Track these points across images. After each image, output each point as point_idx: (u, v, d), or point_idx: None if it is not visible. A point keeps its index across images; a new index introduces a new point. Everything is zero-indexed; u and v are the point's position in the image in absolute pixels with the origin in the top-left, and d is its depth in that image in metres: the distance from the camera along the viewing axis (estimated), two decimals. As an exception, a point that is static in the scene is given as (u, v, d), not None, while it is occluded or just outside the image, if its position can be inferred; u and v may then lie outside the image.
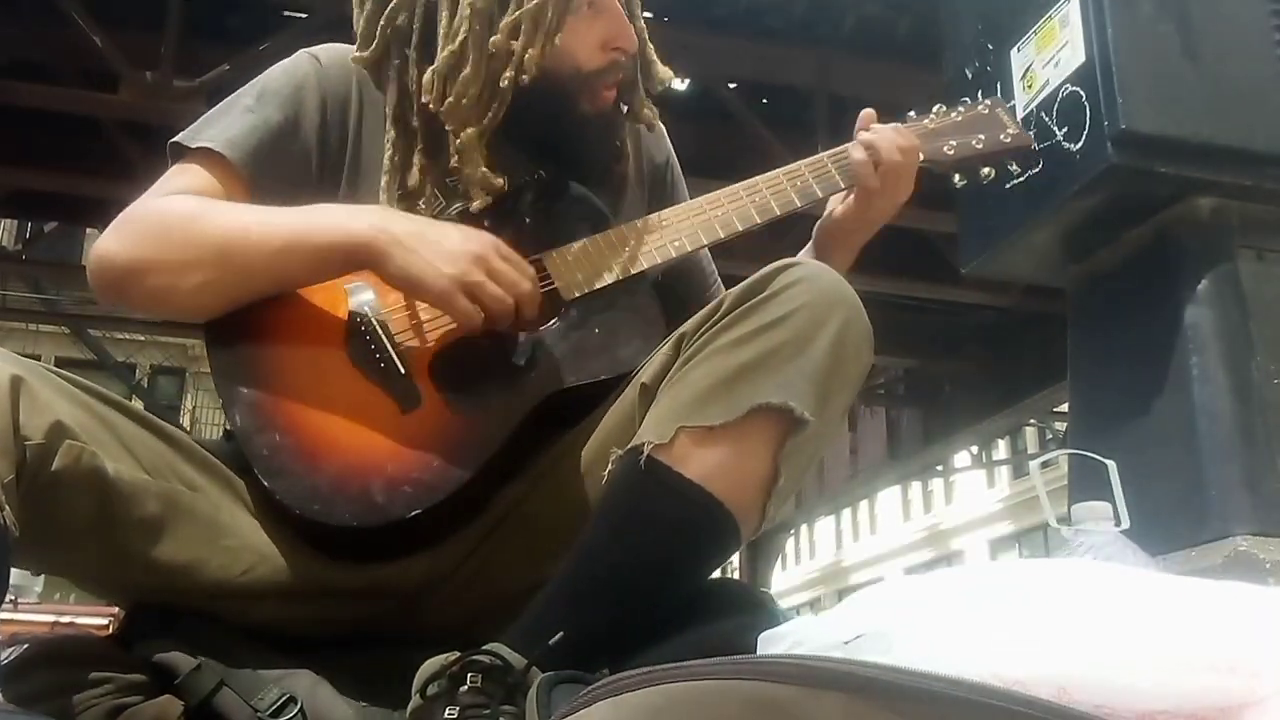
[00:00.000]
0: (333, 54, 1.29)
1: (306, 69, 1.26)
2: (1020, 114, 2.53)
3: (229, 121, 1.22)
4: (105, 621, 7.36)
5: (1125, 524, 1.19)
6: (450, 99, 1.18)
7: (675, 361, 1.04)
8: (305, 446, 1.09)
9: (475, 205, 1.20)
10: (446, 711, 0.87)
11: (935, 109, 1.38)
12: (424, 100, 1.20)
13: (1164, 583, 0.66)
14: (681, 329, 1.07)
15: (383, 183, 1.22)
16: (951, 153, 1.33)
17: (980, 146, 1.34)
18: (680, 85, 5.05)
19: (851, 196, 1.28)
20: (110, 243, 1.16)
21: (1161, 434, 2.29)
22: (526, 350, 1.16)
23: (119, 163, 4.86)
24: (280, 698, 1.01)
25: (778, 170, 1.27)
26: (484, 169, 1.20)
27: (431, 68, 1.19)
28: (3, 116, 4.62)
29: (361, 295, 1.17)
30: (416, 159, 1.23)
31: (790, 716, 0.55)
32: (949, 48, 2.98)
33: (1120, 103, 2.24)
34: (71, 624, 7.70)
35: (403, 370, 1.13)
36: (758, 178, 1.25)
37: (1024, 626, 0.60)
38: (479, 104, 1.19)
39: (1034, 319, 5.69)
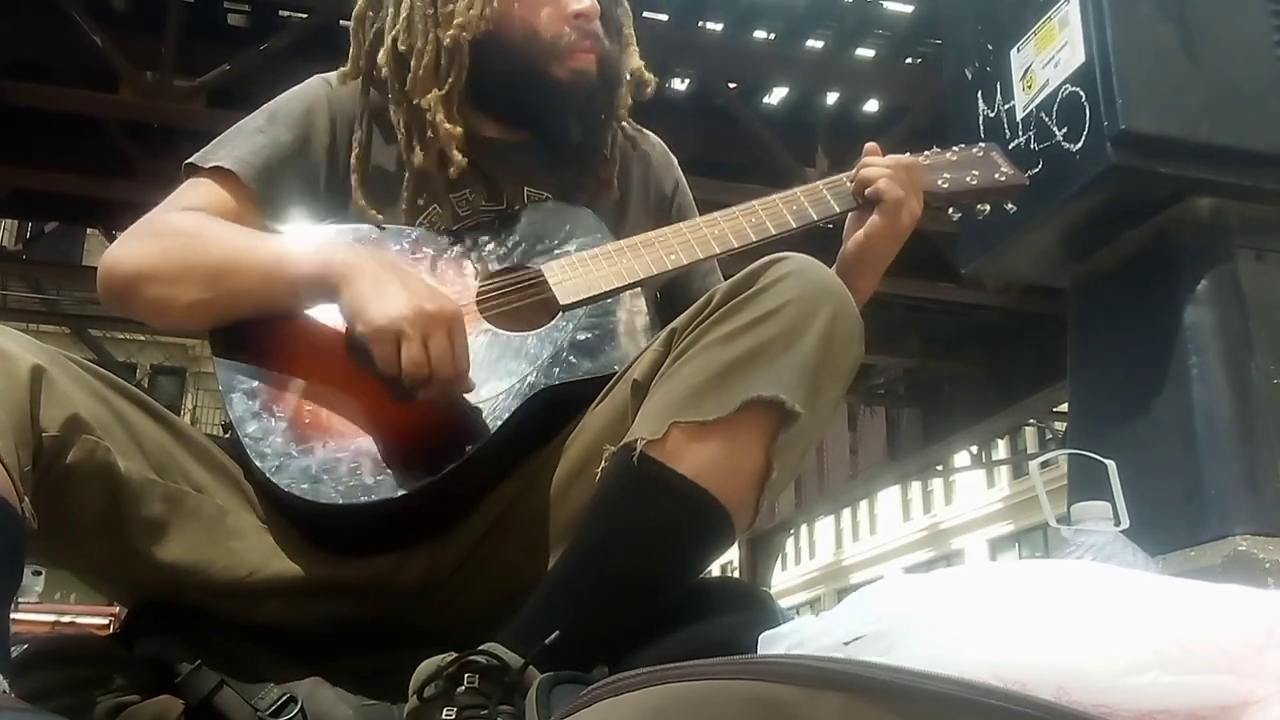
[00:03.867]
0: (342, 77, 1.35)
1: (318, 91, 1.33)
2: (1020, 114, 2.54)
3: (240, 142, 1.27)
4: (106, 621, 7.37)
5: (1125, 524, 1.20)
6: (410, 73, 1.27)
7: (666, 358, 1.05)
8: (298, 430, 1.11)
9: (452, 171, 1.25)
10: (444, 712, 0.87)
11: (930, 149, 1.41)
12: (396, 85, 1.28)
13: (1163, 583, 0.66)
14: (672, 325, 1.08)
15: (354, 178, 1.28)
16: (945, 185, 1.37)
17: (974, 183, 1.38)
18: (680, 85, 5.05)
19: (857, 221, 1.31)
20: (118, 251, 1.21)
21: (1161, 434, 2.29)
22: (518, 350, 1.18)
23: (119, 163, 4.86)
24: (280, 698, 1.01)
25: (774, 195, 1.30)
26: (446, 125, 1.25)
27: (387, 48, 1.28)
28: (3, 116, 4.61)
29: None
30: (403, 151, 1.29)
31: (790, 717, 0.55)
32: (949, 48, 2.98)
33: (1120, 103, 2.24)
34: (72, 624, 7.71)
35: None
36: (754, 202, 1.29)
37: (1023, 627, 0.60)
38: (436, 69, 1.26)
39: (1034, 319, 5.69)
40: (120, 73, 4.39)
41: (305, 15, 4.49)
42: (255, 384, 1.14)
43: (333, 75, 1.35)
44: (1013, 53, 2.58)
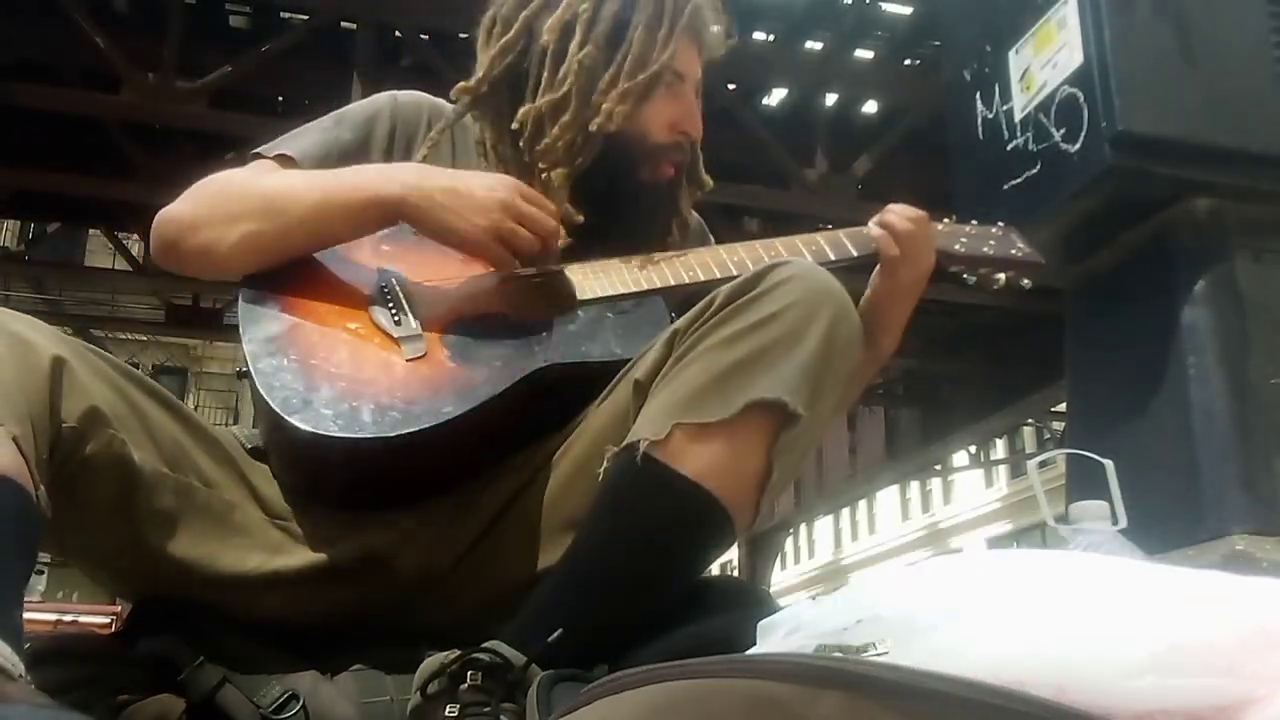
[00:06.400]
0: (409, 94, 1.41)
1: (383, 102, 1.38)
2: (1018, 115, 2.54)
3: (307, 138, 1.32)
4: (108, 620, 7.37)
5: (1123, 523, 1.20)
6: (547, 140, 1.29)
7: (669, 359, 1.06)
8: (307, 371, 1.13)
9: (559, 245, 1.27)
10: (447, 709, 0.88)
11: (947, 219, 1.44)
12: (525, 136, 1.31)
13: (1161, 578, 0.66)
14: (674, 326, 1.09)
15: None
16: (961, 249, 1.39)
17: (990, 252, 1.40)
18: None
19: (879, 277, 1.33)
20: (173, 205, 1.24)
21: (1159, 433, 2.29)
22: (532, 331, 1.21)
23: (121, 163, 4.86)
24: (282, 695, 1.02)
25: (795, 236, 1.34)
26: (568, 205, 1.28)
27: (533, 106, 1.30)
28: (5, 117, 4.62)
29: (390, 268, 1.24)
30: None
31: (790, 715, 0.55)
32: (948, 49, 2.99)
33: (1117, 104, 2.25)
34: (74, 622, 7.70)
35: (415, 328, 1.18)
36: (776, 239, 1.32)
37: (1023, 626, 0.60)
38: (571, 148, 1.29)
39: (1032, 319, 5.69)
40: (122, 74, 4.39)
41: (306, 17, 4.49)
42: (273, 330, 1.16)
43: (399, 92, 1.40)
44: (1011, 54, 2.59)
